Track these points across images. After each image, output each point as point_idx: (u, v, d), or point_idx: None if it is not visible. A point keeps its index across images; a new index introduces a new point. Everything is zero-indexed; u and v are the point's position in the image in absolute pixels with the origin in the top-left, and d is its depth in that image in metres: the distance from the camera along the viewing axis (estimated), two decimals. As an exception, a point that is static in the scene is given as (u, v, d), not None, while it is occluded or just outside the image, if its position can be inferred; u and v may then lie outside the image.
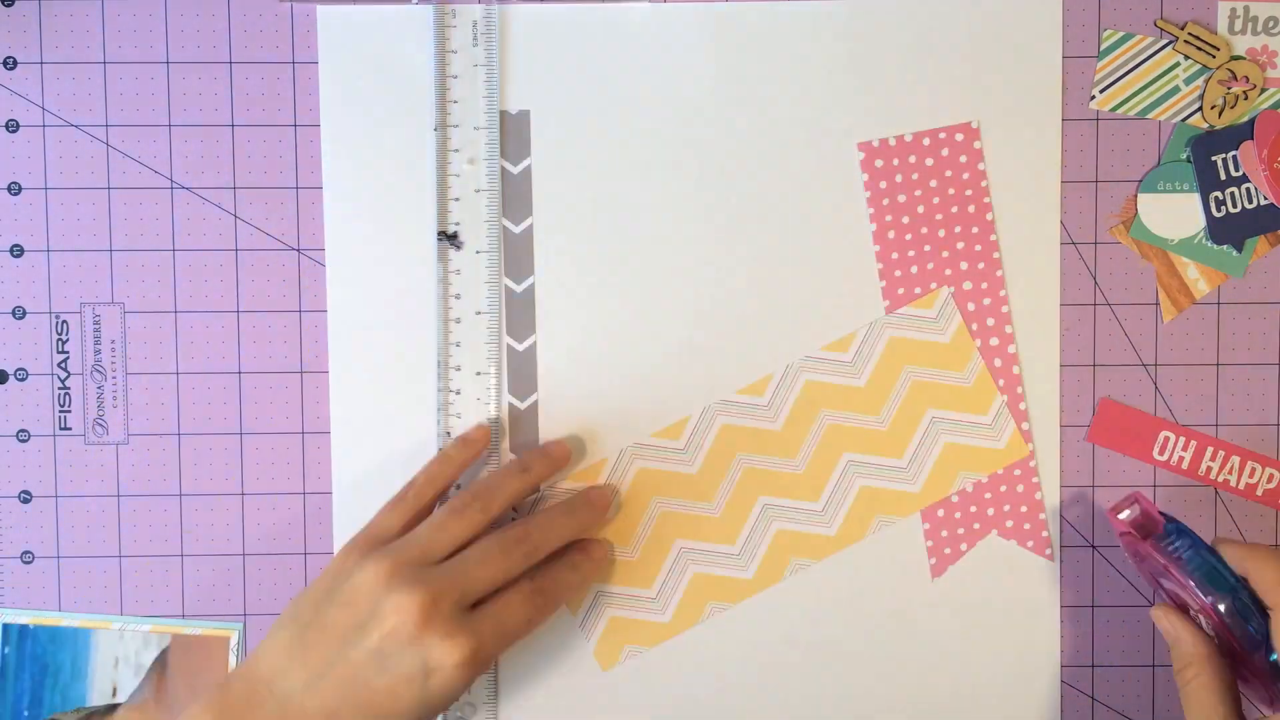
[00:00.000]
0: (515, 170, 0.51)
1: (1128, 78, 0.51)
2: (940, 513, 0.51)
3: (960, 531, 0.52)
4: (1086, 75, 0.51)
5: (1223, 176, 0.51)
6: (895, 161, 0.51)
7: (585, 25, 0.51)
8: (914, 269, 0.51)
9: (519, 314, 0.51)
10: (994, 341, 0.51)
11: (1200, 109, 0.51)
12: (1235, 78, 0.51)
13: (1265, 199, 0.51)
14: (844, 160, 0.51)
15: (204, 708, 0.43)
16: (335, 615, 0.43)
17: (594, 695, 0.52)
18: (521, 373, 0.51)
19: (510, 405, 0.51)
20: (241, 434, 0.51)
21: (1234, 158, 0.51)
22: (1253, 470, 0.52)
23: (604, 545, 0.50)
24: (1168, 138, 0.51)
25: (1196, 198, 0.51)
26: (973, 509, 0.52)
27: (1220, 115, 0.51)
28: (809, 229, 0.51)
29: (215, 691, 0.43)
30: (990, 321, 0.51)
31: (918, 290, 0.51)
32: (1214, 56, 0.51)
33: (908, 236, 0.51)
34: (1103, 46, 0.51)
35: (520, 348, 0.51)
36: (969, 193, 0.51)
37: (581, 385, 0.51)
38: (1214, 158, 0.51)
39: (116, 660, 0.52)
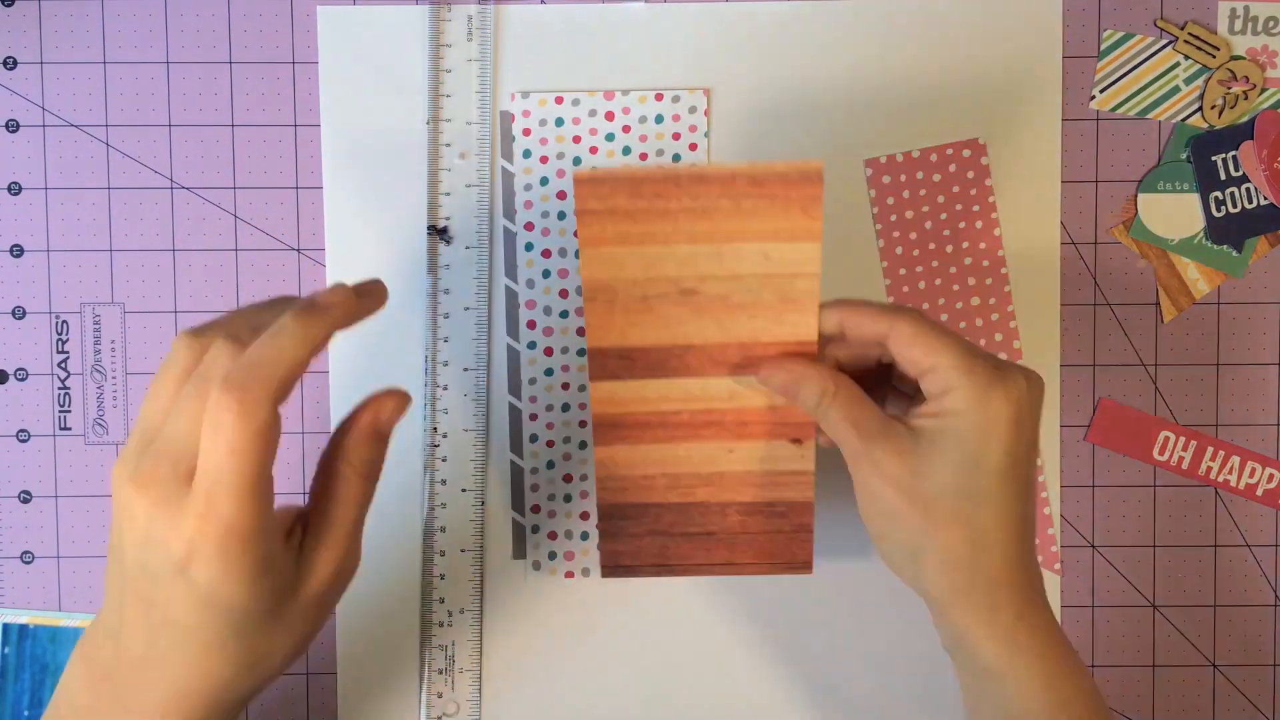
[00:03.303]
0: (512, 169, 0.51)
1: (1128, 78, 0.51)
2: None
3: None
4: (1086, 75, 0.51)
5: (1222, 176, 0.51)
6: (902, 177, 0.51)
7: (585, 26, 0.51)
8: (921, 284, 0.51)
9: (517, 313, 0.51)
10: (998, 337, 0.51)
11: (1200, 109, 0.51)
12: (1235, 78, 0.51)
13: (1265, 199, 0.51)
14: (850, 174, 0.51)
15: (72, 661, 0.39)
16: (111, 539, 0.38)
17: (581, 696, 0.52)
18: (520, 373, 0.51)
19: (510, 405, 0.51)
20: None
21: (1234, 158, 0.51)
22: (1253, 470, 0.52)
23: (338, 289, 0.39)
24: (1168, 138, 0.51)
25: (1196, 198, 0.51)
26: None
27: (1220, 115, 0.51)
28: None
29: (77, 648, 0.39)
30: (994, 317, 0.51)
31: (925, 305, 0.51)
32: (1214, 56, 0.51)
33: (915, 252, 0.51)
34: (1103, 46, 0.51)
35: (519, 347, 0.51)
36: (976, 208, 0.51)
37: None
38: (1214, 158, 0.51)
39: (116, 660, 0.52)
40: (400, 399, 0.40)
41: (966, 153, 0.51)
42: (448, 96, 0.50)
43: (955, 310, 0.51)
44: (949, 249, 0.51)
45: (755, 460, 0.46)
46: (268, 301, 0.40)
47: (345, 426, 0.40)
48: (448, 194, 0.50)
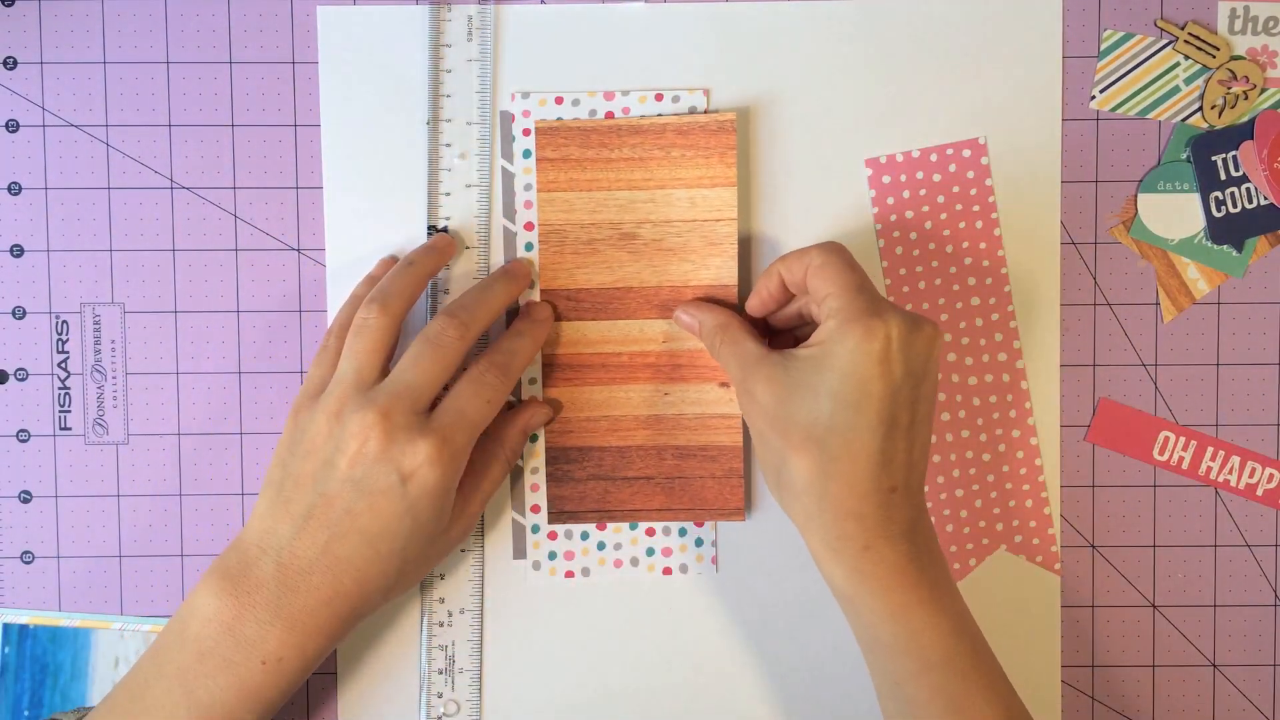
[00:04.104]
0: (512, 169, 0.51)
1: (1128, 78, 0.51)
2: (949, 528, 0.51)
3: (969, 546, 0.52)
4: (1086, 75, 0.51)
5: (1223, 176, 0.51)
6: (902, 177, 0.51)
7: (585, 26, 0.51)
8: (921, 284, 0.51)
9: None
10: (998, 337, 0.51)
11: (1200, 109, 0.51)
12: (1235, 78, 0.51)
13: (1265, 199, 0.51)
14: (850, 174, 0.51)
15: (205, 583, 0.44)
16: (302, 465, 0.45)
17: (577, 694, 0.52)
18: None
19: (510, 405, 0.51)
20: (241, 434, 0.51)
21: (1234, 158, 0.51)
22: (1253, 470, 0.52)
23: (545, 305, 0.50)
24: (1168, 138, 0.51)
25: (1196, 198, 0.51)
26: (982, 524, 0.52)
27: (1220, 115, 0.51)
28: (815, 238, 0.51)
29: (213, 566, 0.45)
30: (995, 317, 0.51)
31: (925, 305, 0.51)
32: (1214, 56, 0.51)
33: (915, 252, 0.51)
34: (1103, 46, 0.51)
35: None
36: (976, 208, 0.51)
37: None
38: (1214, 158, 0.51)
39: (116, 660, 0.52)
40: (549, 411, 0.51)
41: (966, 153, 0.51)
42: (448, 96, 0.50)
43: (955, 310, 0.51)
44: (949, 249, 0.51)
45: (688, 403, 0.51)
46: (416, 271, 0.48)
47: (505, 419, 0.50)
48: (448, 194, 0.50)
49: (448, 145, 0.50)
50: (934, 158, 0.51)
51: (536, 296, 0.51)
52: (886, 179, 0.51)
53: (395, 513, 0.44)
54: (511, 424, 0.50)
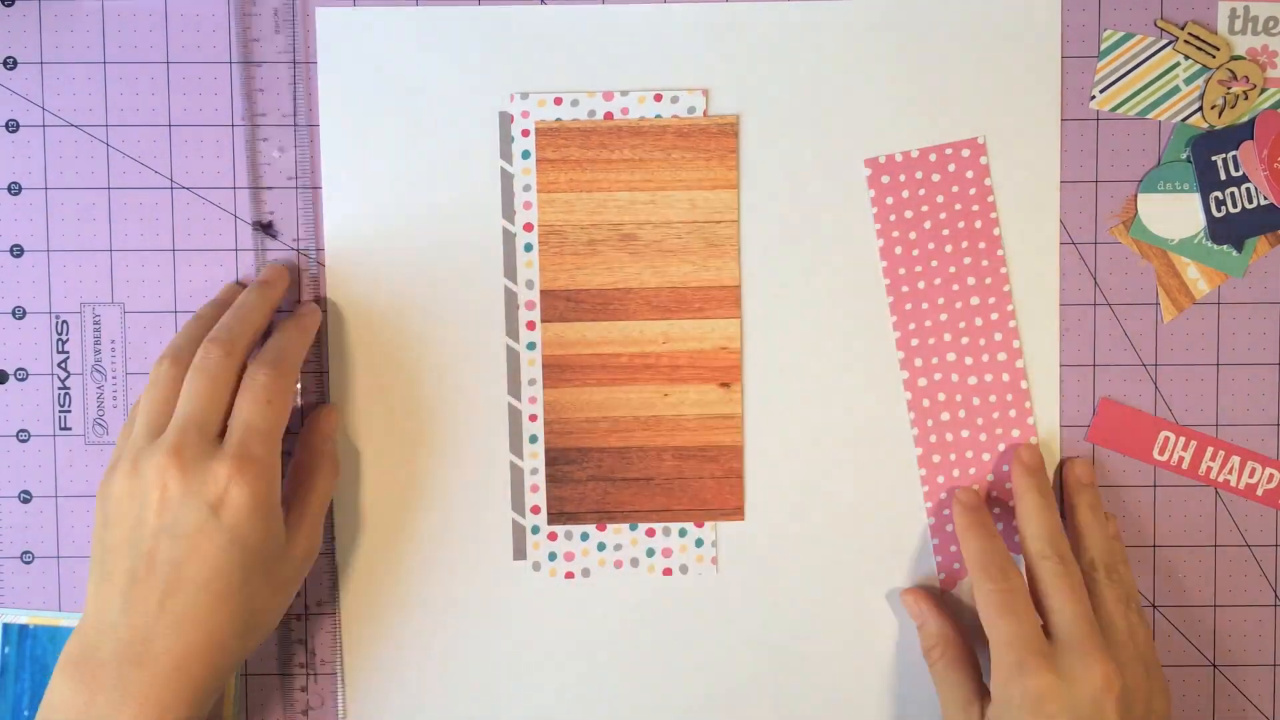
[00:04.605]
0: (512, 169, 0.51)
1: (1128, 78, 0.51)
2: (949, 528, 0.51)
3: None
4: (1086, 75, 0.51)
5: (1223, 176, 0.51)
6: (902, 177, 0.51)
7: (585, 26, 0.51)
8: (921, 284, 0.51)
9: (517, 314, 0.51)
10: (997, 336, 0.51)
11: (1200, 109, 0.51)
12: (1235, 78, 0.51)
13: (1265, 199, 0.51)
14: (850, 171, 0.51)
15: (57, 674, 0.42)
16: (114, 535, 0.43)
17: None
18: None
19: (510, 405, 0.51)
20: (241, 434, 0.51)
21: (1234, 158, 0.51)
22: (1253, 470, 0.52)
23: (311, 303, 0.50)
24: (1168, 138, 0.51)
25: (1196, 198, 0.51)
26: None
27: (1220, 115, 0.51)
28: (816, 239, 0.51)
29: (62, 655, 0.43)
30: (994, 316, 0.51)
31: (925, 305, 0.51)
32: (1214, 56, 0.51)
33: (915, 252, 0.51)
34: (1103, 46, 0.51)
35: (519, 347, 0.51)
36: (975, 207, 0.51)
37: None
38: (1214, 158, 0.51)
39: (116, 660, 0.52)
40: (334, 411, 0.50)
41: (966, 152, 0.51)
42: (261, 91, 0.50)
43: (955, 310, 0.51)
44: (948, 249, 0.51)
45: (687, 404, 0.51)
46: (197, 320, 0.48)
47: (310, 431, 0.49)
48: (269, 188, 0.50)
49: (264, 140, 0.50)
50: (933, 158, 0.51)
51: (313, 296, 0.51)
52: (886, 179, 0.51)
53: (219, 547, 0.42)
54: (313, 433, 0.49)
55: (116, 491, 0.43)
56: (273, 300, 0.48)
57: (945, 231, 0.51)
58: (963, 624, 0.50)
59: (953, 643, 0.49)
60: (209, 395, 0.44)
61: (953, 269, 0.51)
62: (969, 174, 0.51)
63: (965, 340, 0.51)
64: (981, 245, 0.51)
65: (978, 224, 0.51)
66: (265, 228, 0.50)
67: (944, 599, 0.51)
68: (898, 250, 0.51)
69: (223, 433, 0.44)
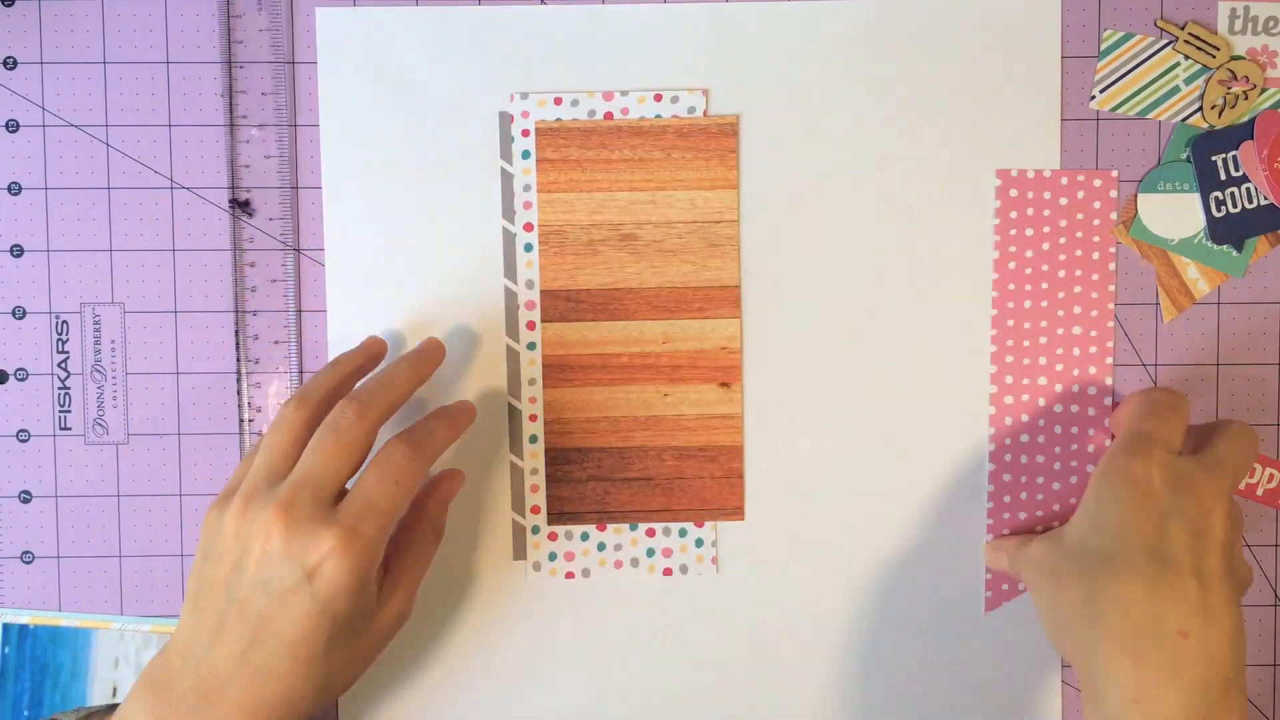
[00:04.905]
0: (512, 169, 0.51)
1: (1128, 78, 0.51)
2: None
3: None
4: (1086, 75, 0.51)
5: (1223, 176, 0.51)
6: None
7: (585, 26, 0.51)
8: (1026, 303, 0.51)
9: (517, 314, 0.51)
10: (1078, 342, 0.51)
11: (1200, 109, 0.51)
12: (1235, 78, 0.51)
13: (1265, 199, 0.51)
14: (850, 170, 0.51)
15: (134, 693, 0.43)
16: (214, 571, 0.43)
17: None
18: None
19: (510, 405, 0.51)
20: (241, 434, 0.51)
21: (1234, 158, 0.51)
22: (1253, 470, 0.52)
23: (470, 404, 0.49)
24: (1168, 138, 0.51)
25: (1196, 198, 0.51)
26: (973, 509, 0.52)
27: (1220, 115, 0.51)
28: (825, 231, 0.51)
29: (142, 674, 0.43)
30: (1093, 319, 0.51)
31: (1027, 326, 0.51)
32: (1214, 56, 0.51)
33: (1027, 270, 0.51)
34: (1103, 46, 0.51)
35: (519, 347, 0.51)
36: (1096, 239, 0.51)
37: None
38: (1214, 158, 0.51)
39: (116, 660, 0.52)
40: (461, 478, 0.49)
41: (1098, 182, 0.51)
42: (240, 67, 0.50)
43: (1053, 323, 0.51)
44: (1061, 274, 0.51)
45: (687, 404, 0.51)
46: (339, 369, 0.47)
47: (427, 493, 0.48)
48: (247, 166, 0.50)
49: (244, 117, 0.50)
50: (1064, 181, 0.51)
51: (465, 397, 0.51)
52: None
53: (308, 614, 0.41)
54: (430, 496, 0.48)
55: (225, 529, 0.43)
56: (422, 375, 0.47)
57: (1062, 257, 0.51)
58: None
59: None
60: (334, 458, 0.43)
61: (1061, 293, 0.51)
62: (1096, 204, 0.51)
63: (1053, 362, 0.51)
64: (1080, 273, 0.51)
65: (1095, 255, 0.51)
66: (242, 205, 0.50)
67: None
68: (1011, 265, 0.51)
69: (340, 495, 0.44)
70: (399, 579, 0.46)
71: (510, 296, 0.51)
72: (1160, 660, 0.39)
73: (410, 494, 0.44)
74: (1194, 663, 0.39)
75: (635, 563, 0.52)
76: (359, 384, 0.46)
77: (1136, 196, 0.51)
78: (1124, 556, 0.41)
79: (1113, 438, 0.49)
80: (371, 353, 0.48)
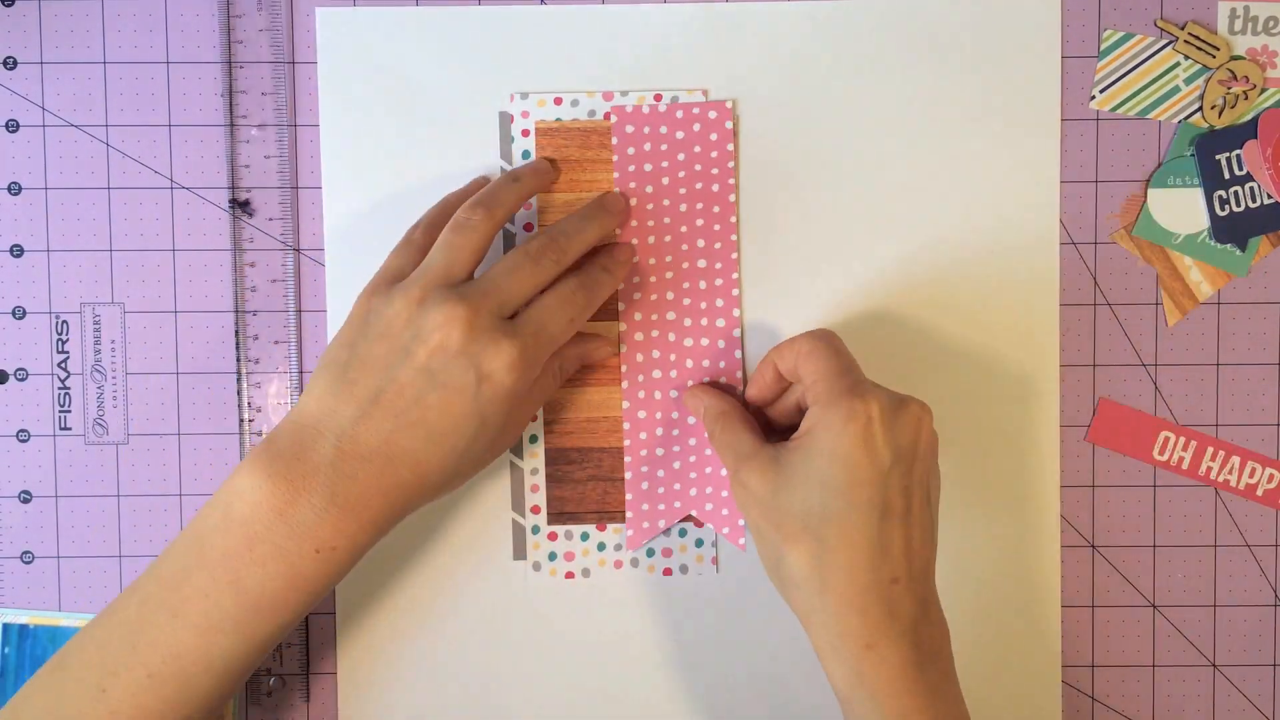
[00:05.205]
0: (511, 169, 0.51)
1: (1128, 78, 0.51)
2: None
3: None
4: (1086, 75, 0.51)
5: (1227, 175, 0.51)
6: (646, 129, 0.51)
7: (585, 26, 0.51)
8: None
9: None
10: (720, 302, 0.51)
11: (1200, 109, 0.51)
12: (1235, 78, 0.51)
13: (1269, 198, 0.51)
14: (849, 170, 0.51)
15: (252, 465, 0.42)
16: (373, 348, 0.43)
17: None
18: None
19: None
20: (241, 434, 0.52)
21: (1238, 156, 0.51)
22: (1253, 470, 0.52)
23: (628, 247, 0.50)
24: (1168, 138, 0.51)
25: (1200, 193, 0.51)
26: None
27: (1220, 115, 0.51)
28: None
29: (261, 446, 0.42)
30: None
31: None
32: (1214, 56, 0.50)
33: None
34: (1103, 46, 0.51)
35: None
36: (715, 170, 0.51)
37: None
38: (1218, 156, 0.51)
39: (117, 660, 0.52)
40: (613, 349, 0.50)
41: (713, 114, 0.51)
42: (240, 67, 0.50)
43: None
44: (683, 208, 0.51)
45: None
46: (521, 188, 0.48)
47: (572, 341, 0.49)
48: (247, 166, 0.50)
49: (244, 117, 0.50)
50: (680, 114, 0.51)
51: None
52: (630, 128, 0.51)
53: (465, 412, 0.43)
54: (575, 345, 0.49)
55: (393, 312, 0.43)
56: (608, 228, 0.49)
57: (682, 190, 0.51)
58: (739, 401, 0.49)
59: (734, 410, 0.48)
60: (526, 284, 0.45)
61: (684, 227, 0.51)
62: (713, 135, 0.50)
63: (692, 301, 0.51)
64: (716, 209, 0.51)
65: (715, 186, 0.51)
66: (242, 205, 0.50)
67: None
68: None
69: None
70: (524, 406, 0.47)
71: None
72: (880, 608, 0.42)
73: (573, 333, 0.46)
74: (905, 601, 0.42)
75: (635, 563, 0.52)
76: (558, 225, 0.47)
77: (1146, 191, 0.51)
78: (852, 520, 0.42)
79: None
80: (547, 174, 0.50)
